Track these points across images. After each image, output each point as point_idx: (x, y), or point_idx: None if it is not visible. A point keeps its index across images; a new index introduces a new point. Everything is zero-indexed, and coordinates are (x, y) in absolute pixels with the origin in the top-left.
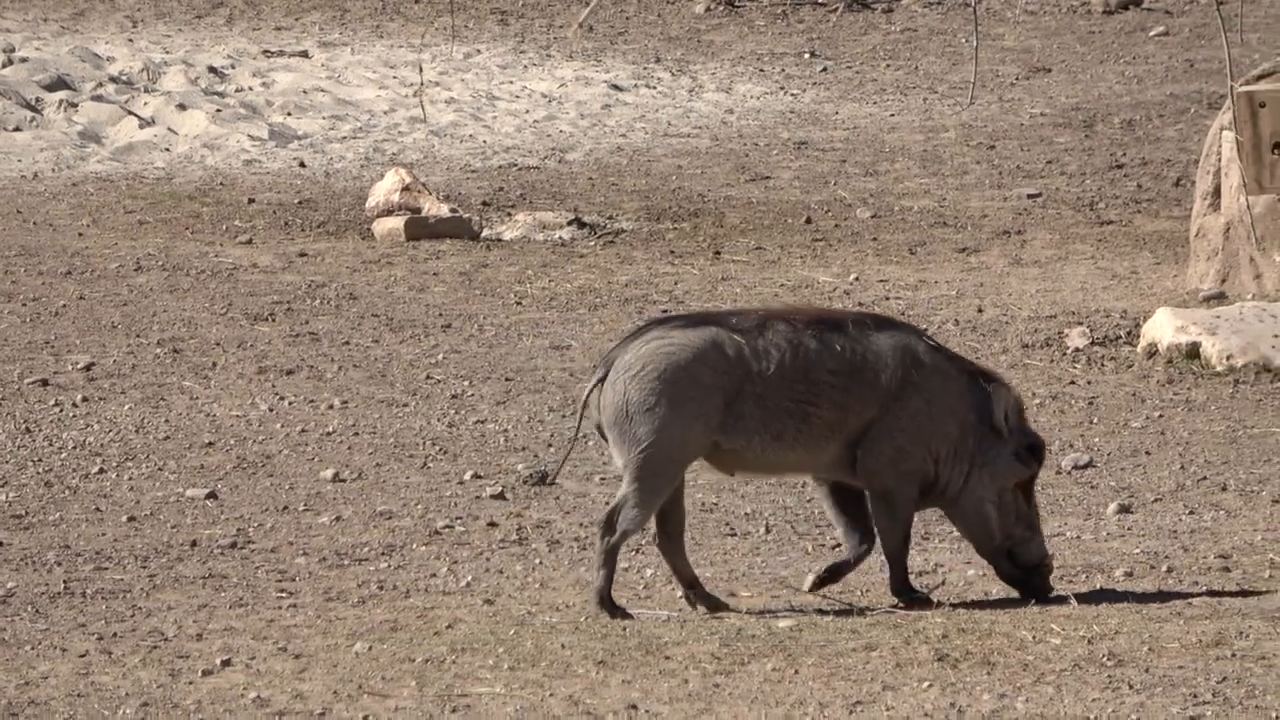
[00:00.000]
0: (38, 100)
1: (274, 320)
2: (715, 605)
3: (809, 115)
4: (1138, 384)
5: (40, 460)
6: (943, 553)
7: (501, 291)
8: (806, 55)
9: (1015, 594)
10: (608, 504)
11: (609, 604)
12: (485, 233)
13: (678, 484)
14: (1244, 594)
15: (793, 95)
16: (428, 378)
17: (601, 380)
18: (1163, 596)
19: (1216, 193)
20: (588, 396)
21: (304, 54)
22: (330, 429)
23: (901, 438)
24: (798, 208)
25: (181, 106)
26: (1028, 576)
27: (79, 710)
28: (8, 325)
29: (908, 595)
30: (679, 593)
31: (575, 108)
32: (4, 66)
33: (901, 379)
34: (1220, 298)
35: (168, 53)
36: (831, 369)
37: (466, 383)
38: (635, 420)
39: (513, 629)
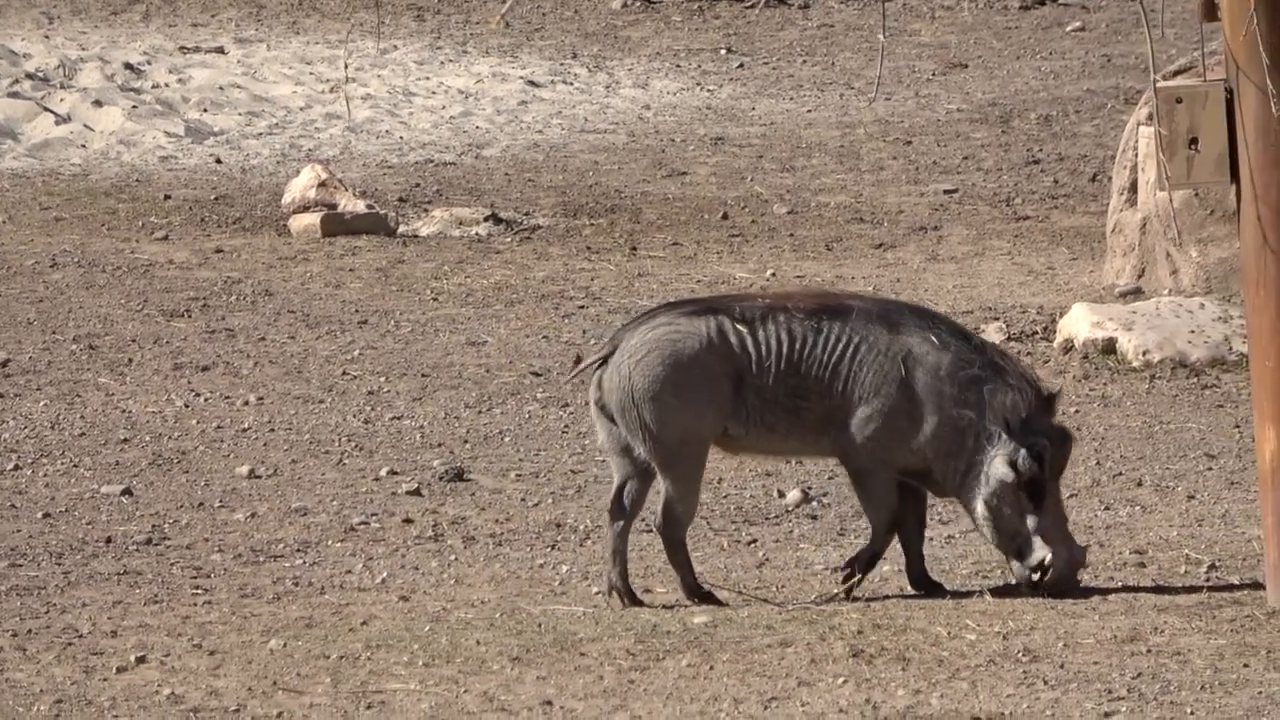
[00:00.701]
0: None
1: (190, 316)
2: (633, 600)
3: (725, 111)
4: (1054, 379)
5: None
6: (859, 549)
7: (418, 288)
8: (723, 51)
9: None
10: (652, 511)
11: (699, 593)
12: (401, 229)
13: (645, 466)
14: (1159, 590)
15: (709, 91)
16: (344, 374)
17: (605, 359)
18: (1078, 592)
19: (1133, 188)
20: (593, 373)
21: (220, 50)
22: (246, 425)
23: (879, 430)
24: (714, 204)
25: (98, 103)
26: (1035, 579)
27: None
28: None
29: (865, 568)
30: (595, 589)
31: (492, 104)
32: None
33: (887, 374)
34: (1137, 293)
35: (84, 49)
36: (824, 363)
37: (383, 379)
38: (642, 407)
39: (428, 625)
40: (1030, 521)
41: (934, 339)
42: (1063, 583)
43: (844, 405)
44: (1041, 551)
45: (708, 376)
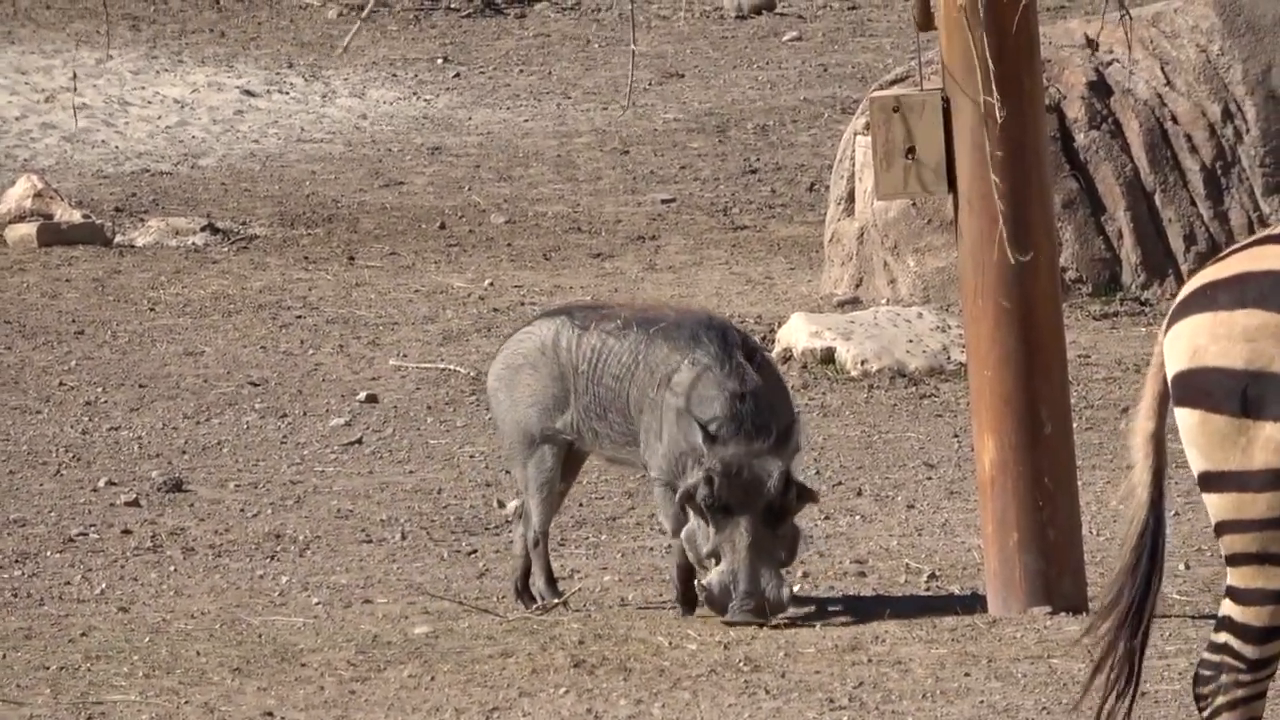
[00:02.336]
0: None
1: None
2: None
3: (442, 121)
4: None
5: None
6: (579, 558)
7: (135, 298)
8: (440, 61)
9: (653, 600)
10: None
11: (524, 595)
12: (118, 239)
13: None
14: (880, 599)
15: (426, 101)
16: (61, 384)
17: None
18: (799, 601)
19: (851, 198)
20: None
21: None
22: None
23: (644, 444)
24: (432, 213)
25: None
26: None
27: None
28: None
29: (683, 603)
30: (315, 599)
31: (208, 113)
32: None
33: (641, 392)
34: (855, 303)
35: None
36: (614, 374)
37: (100, 389)
38: (491, 406)
39: (147, 636)
40: (709, 544)
41: (694, 358)
42: (717, 609)
43: (630, 415)
44: (708, 575)
45: (535, 377)
